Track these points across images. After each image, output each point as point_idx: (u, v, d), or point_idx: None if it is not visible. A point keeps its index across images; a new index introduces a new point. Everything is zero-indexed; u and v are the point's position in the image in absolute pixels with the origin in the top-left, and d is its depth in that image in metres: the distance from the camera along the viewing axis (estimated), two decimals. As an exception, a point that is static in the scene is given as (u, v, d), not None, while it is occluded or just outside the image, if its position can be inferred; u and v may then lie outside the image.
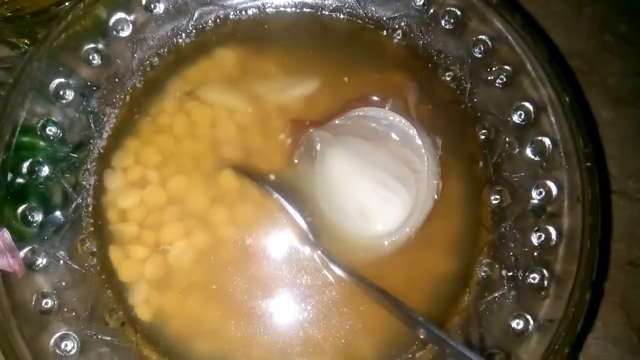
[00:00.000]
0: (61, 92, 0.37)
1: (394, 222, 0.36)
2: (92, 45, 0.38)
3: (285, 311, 0.36)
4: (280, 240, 0.37)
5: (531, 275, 0.34)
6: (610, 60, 0.52)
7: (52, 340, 0.33)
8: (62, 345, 0.33)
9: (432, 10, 0.40)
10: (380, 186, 0.37)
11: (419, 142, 0.37)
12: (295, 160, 0.39)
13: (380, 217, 0.36)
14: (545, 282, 0.34)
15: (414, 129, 0.37)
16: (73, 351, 0.33)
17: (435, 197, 0.37)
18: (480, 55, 0.39)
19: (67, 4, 0.40)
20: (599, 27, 0.53)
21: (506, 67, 0.38)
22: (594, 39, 0.53)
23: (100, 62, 0.39)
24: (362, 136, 0.38)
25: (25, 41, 0.45)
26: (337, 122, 0.39)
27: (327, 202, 0.37)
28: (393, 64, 0.41)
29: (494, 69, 0.38)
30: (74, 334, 0.33)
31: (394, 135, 0.38)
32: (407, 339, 0.36)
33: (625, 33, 0.53)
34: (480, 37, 0.38)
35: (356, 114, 0.39)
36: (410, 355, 0.36)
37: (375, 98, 0.40)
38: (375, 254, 0.37)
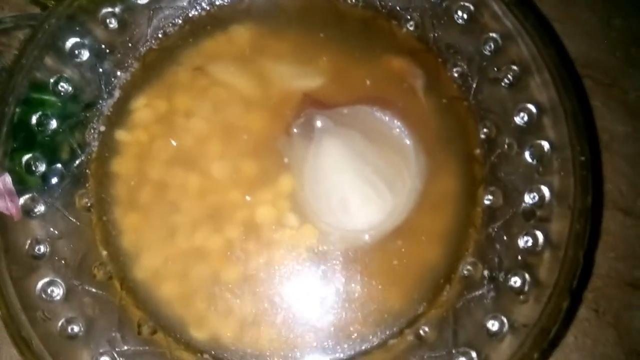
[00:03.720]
0: (76, 52, 0.39)
1: (371, 220, 0.37)
2: (110, 10, 0.40)
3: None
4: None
5: (513, 279, 0.34)
6: (634, 74, 0.51)
7: (40, 285, 0.34)
8: (49, 291, 0.34)
9: (445, 4, 0.39)
10: (367, 185, 0.37)
11: (413, 155, 0.38)
12: (294, 130, 0.39)
13: (359, 214, 0.37)
14: (526, 287, 0.33)
15: (411, 142, 0.39)
16: (58, 297, 0.34)
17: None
18: (489, 53, 0.38)
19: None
20: (626, 40, 0.52)
21: (514, 67, 0.37)
22: (619, 52, 0.51)
23: (116, 26, 0.40)
24: (363, 133, 0.39)
25: (52, 2, 0.47)
26: (344, 111, 0.40)
27: (312, 185, 0.38)
28: (402, 53, 0.41)
29: (501, 68, 0.38)
30: (61, 281, 0.35)
31: (392, 141, 0.39)
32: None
33: (654, 49, 0.51)
34: (491, 34, 0.38)
35: (364, 109, 0.40)
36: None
37: (388, 100, 0.40)
38: (354, 244, 0.37)
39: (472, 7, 0.38)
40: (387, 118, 0.39)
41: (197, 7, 0.42)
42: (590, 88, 0.50)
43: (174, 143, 0.40)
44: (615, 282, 0.45)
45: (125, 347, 0.35)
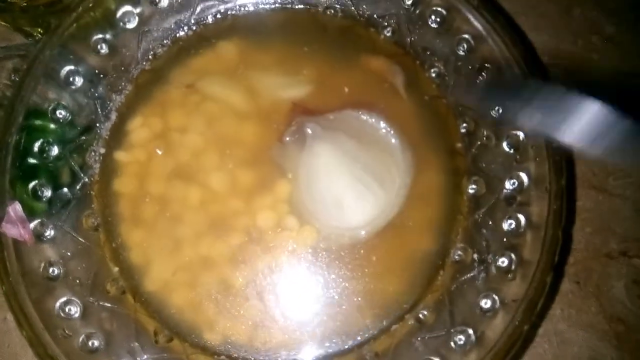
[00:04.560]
0: (71, 79, 0.40)
1: (366, 217, 0.40)
2: (101, 36, 0.41)
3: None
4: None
5: (500, 259, 0.37)
6: (596, 60, 0.54)
7: (57, 304, 0.36)
8: (67, 310, 0.36)
9: (419, 10, 0.42)
10: (360, 184, 0.40)
11: (400, 153, 0.41)
12: (286, 138, 0.41)
13: (354, 211, 0.40)
14: (513, 266, 0.36)
15: (397, 141, 0.41)
16: (76, 315, 0.36)
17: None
18: (463, 54, 0.41)
19: (80, -6, 0.43)
20: (586, 28, 0.55)
21: (486, 65, 0.40)
22: (581, 40, 0.55)
23: (107, 51, 0.42)
24: (351, 135, 0.41)
25: (39, 30, 0.48)
26: (331, 116, 0.42)
27: (308, 188, 0.40)
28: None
29: (476, 66, 0.41)
30: (77, 300, 0.36)
31: (379, 141, 0.41)
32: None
33: (612, 34, 0.55)
34: (463, 36, 0.41)
35: (350, 113, 0.42)
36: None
37: (372, 103, 0.42)
38: (352, 240, 0.40)
39: (444, 12, 0.41)
40: (372, 120, 0.42)
41: (184, 28, 0.44)
42: (557, 77, 0.53)
43: (159, 152, 0.41)
44: (593, 255, 0.48)
45: (145, 356, 0.36)
